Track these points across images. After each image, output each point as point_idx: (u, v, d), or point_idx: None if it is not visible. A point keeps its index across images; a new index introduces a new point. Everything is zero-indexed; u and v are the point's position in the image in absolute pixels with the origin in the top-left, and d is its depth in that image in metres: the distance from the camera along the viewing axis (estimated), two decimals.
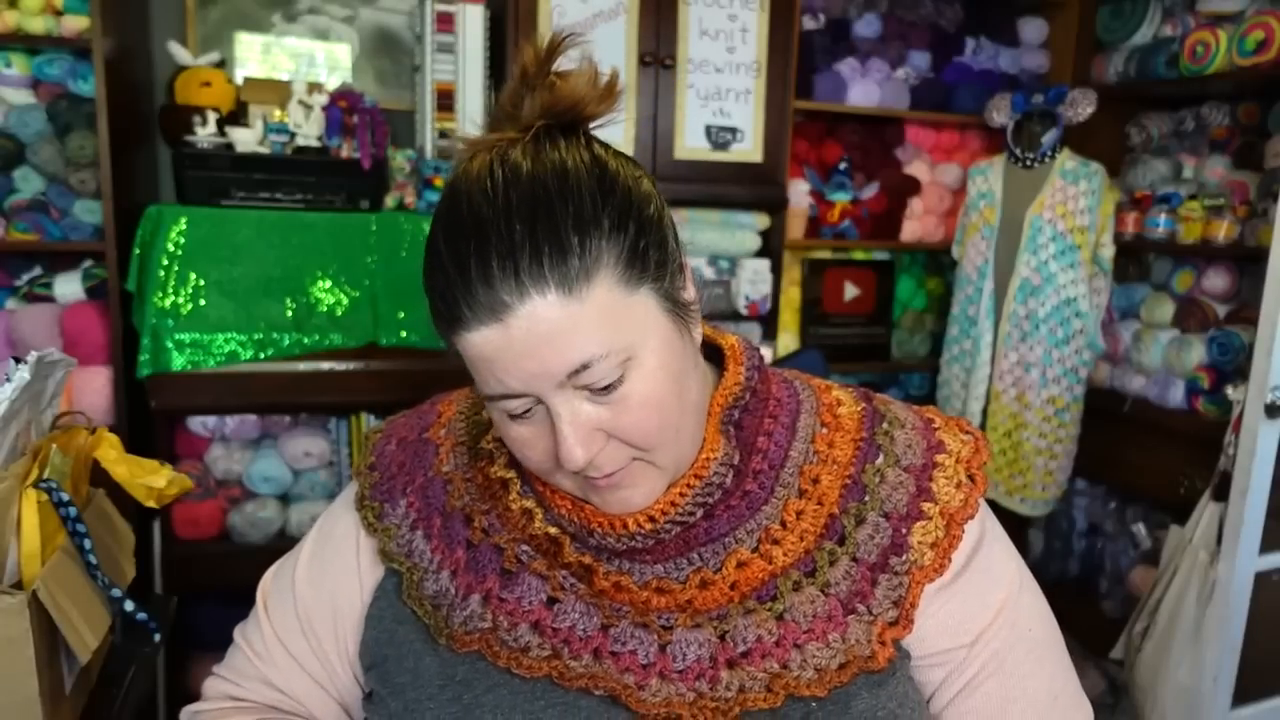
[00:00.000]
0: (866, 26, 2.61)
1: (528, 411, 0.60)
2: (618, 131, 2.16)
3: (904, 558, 0.65)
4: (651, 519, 0.63)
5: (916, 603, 0.64)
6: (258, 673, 0.76)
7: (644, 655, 0.63)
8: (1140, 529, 2.60)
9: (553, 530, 0.68)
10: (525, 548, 0.68)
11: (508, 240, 0.55)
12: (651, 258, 0.59)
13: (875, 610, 0.64)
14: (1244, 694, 2.02)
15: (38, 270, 2.05)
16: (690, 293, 0.64)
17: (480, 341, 0.56)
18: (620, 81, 0.61)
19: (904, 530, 0.66)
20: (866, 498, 0.67)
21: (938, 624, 0.66)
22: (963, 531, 0.66)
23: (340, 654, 0.75)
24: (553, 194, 0.56)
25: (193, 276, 1.88)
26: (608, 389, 0.58)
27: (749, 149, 2.34)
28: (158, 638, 1.07)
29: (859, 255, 2.79)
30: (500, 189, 0.56)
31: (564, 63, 0.61)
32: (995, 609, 0.67)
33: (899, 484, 0.67)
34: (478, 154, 0.59)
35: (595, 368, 0.56)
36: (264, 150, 1.98)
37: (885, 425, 0.71)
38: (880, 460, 0.69)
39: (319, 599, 0.75)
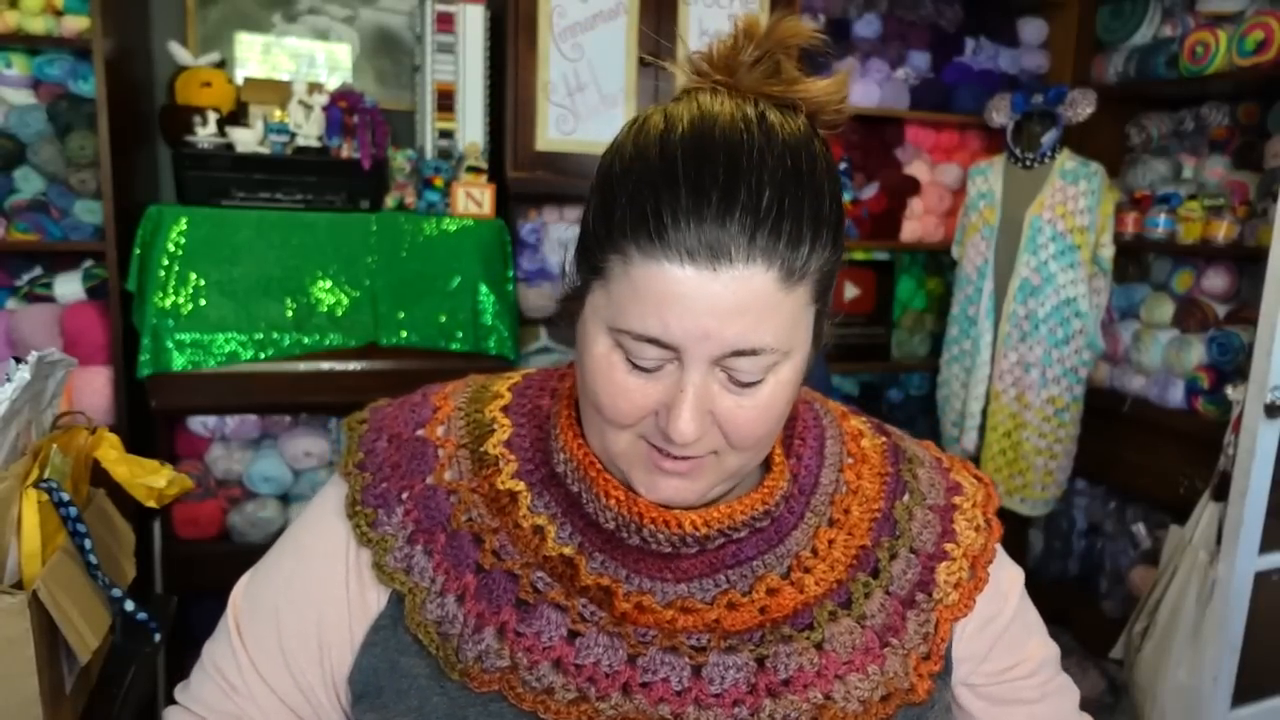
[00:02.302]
0: (866, 26, 2.61)
1: (656, 369, 0.56)
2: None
3: (930, 595, 0.65)
4: (708, 523, 0.61)
5: (946, 638, 0.65)
6: (233, 707, 0.68)
7: (677, 681, 0.60)
8: (1140, 529, 2.60)
9: (567, 550, 0.63)
10: (541, 574, 0.63)
11: (758, 199, 0.52)
12: (831, 283, 0.59)
13: (907, 645, 0.64)
14: (1244, 694, 2.02)
15: (38, 270, 2.06)
16: (827, 328, 0.63)
17: (679, 278, 0.52)
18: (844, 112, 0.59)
19: (931, 569, 0.66)
20: (897, 533, 0.67)
21: (997, 651, 0.70)
22: (987, 574, 0.67)
23: (327, 686, 0.68)
24: (804, 175, 0.54)
25: (193, 276, 1.88)
26: (750, 385, 0.56)
27: None
28: (158, 638, 1.07)
29: (859, 255, 2.79)
30: (758, 140, 0.53)
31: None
32: (1043, 642, 0.73)
33: (927, 523, 0.68)
34: (718, 90, 0.57)
35: (759, 358, 0.55)
36: (264, 150, 1.99)
37: (908, 462, 0.71)
38: (908, 498, 0.69)
39: (304, 629, 0.67)
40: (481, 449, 0.68)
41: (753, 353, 0.54)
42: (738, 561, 0.63)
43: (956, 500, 0.70)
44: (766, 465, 0.66)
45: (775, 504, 0.64)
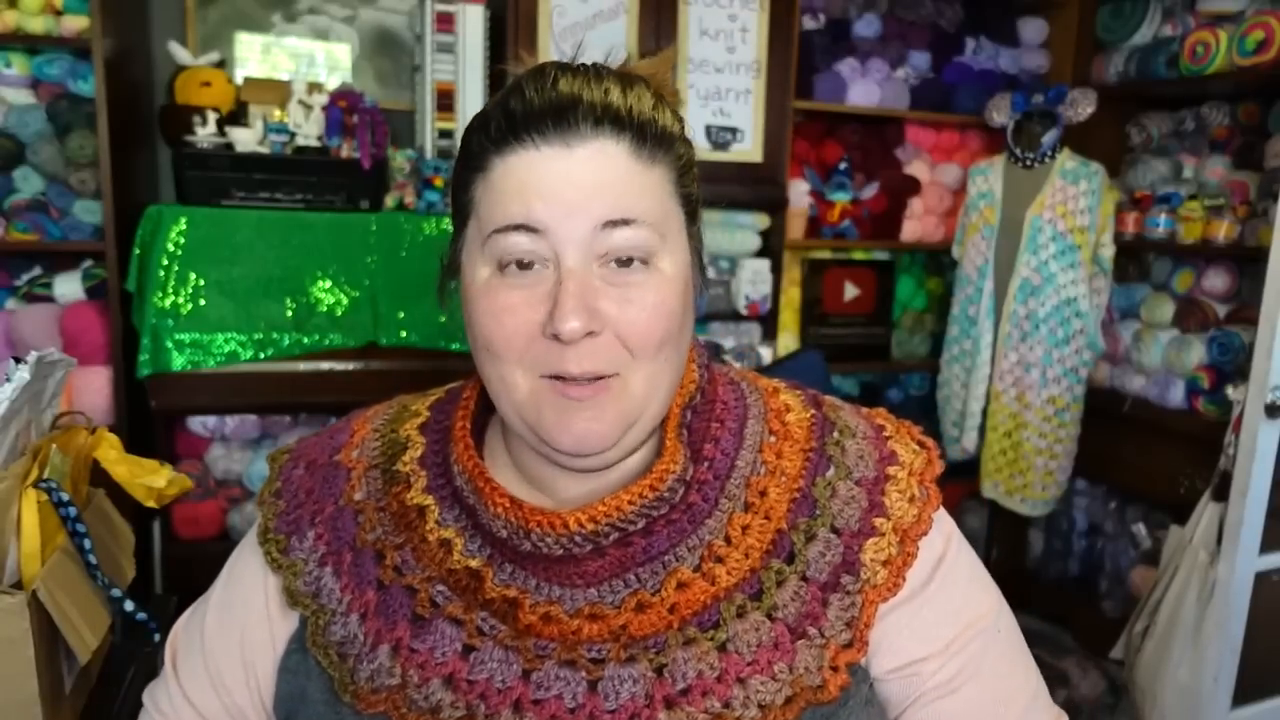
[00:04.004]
0: (866, 26, 2.61)
1: (529, 265, 0.57)
2: None
3: (856, 576, 0.60)
4: (594, 519, 0.58)
5: (871, 623, 0.60)
6: None
7: (570, 698, 0.57)
8: (1140, 529, 2.60)
9: (474, 563, 0.61)
10: (441, 588, 0.62)
11: (600, 91, 0.56)
12: (692, 193, 0.62)
13: (828, 633, 0.59)
14: (1244, 694, 2.02)
15: (38, 270, 2.05)
16: (703, 250, 0.65)
17: (535, 159, 0.55)
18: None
19: (856, 547, 0.61)
20: (817, 513, 0.62)
21: (901, 639, 0.62)
22: (917, 549, 0.62)
23: (256, 708, 0.68)
24: (637, 81, 0.59)
25: (193, 276, 1.88)
26: (628, 263, 0.57)
27: (749, 149, 2.34)
28: (157, 638, 1.07)
29: (859, 255, 2.79)
30: (591, 69, 0.58)
31: None
32: (966, 622, 0.63)
33: (851, 498, 0.63)
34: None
35: (633, 229, 0.56)
36: (264, 150, 1.98)
37: (836, 434, 0.66)
38: (831, 473, 0.64)
39: (228, 650, 0.68)
40: (394, 467, 0.68)
41: (625, 222, 0.56)
42: (649, 557, 0.60)
43: (890, 470, 0.64)
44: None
45: (667, 489, 0.60)
